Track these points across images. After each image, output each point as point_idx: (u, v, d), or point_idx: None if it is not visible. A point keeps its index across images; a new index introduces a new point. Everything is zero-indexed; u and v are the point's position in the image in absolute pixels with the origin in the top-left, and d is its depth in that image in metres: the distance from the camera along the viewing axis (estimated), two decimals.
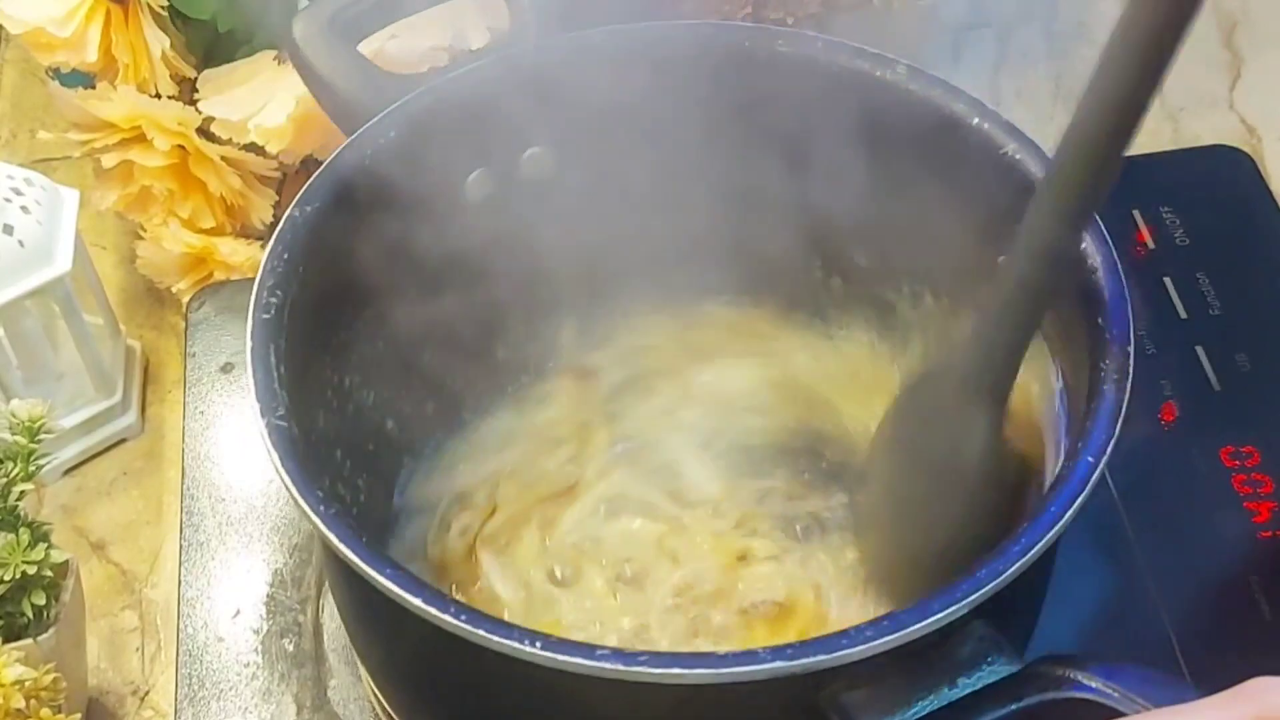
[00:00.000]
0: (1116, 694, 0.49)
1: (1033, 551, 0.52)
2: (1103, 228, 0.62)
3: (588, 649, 0.51)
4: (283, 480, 0.55)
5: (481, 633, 0.51)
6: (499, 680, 0.55)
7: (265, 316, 0.60)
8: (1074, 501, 0.54)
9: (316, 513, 0.54)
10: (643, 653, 0.50)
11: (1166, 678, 0.50)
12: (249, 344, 0.59)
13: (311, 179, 0.64)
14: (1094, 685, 0.50)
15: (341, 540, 0.54)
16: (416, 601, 0.52)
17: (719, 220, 0.75)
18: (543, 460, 0.75)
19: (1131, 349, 0.58)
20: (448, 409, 0.75)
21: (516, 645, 0.50)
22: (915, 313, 0.73)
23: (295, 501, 0.55)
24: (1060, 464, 0.56)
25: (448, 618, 0.51)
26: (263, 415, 0.57)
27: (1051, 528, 0.53)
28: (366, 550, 0.54)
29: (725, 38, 0.70)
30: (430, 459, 0.74)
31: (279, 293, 0.61)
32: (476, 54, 0.70)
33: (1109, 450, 0.55)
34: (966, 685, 0.52)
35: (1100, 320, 0.59)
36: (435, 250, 0.70)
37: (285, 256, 0.62)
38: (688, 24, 0.72)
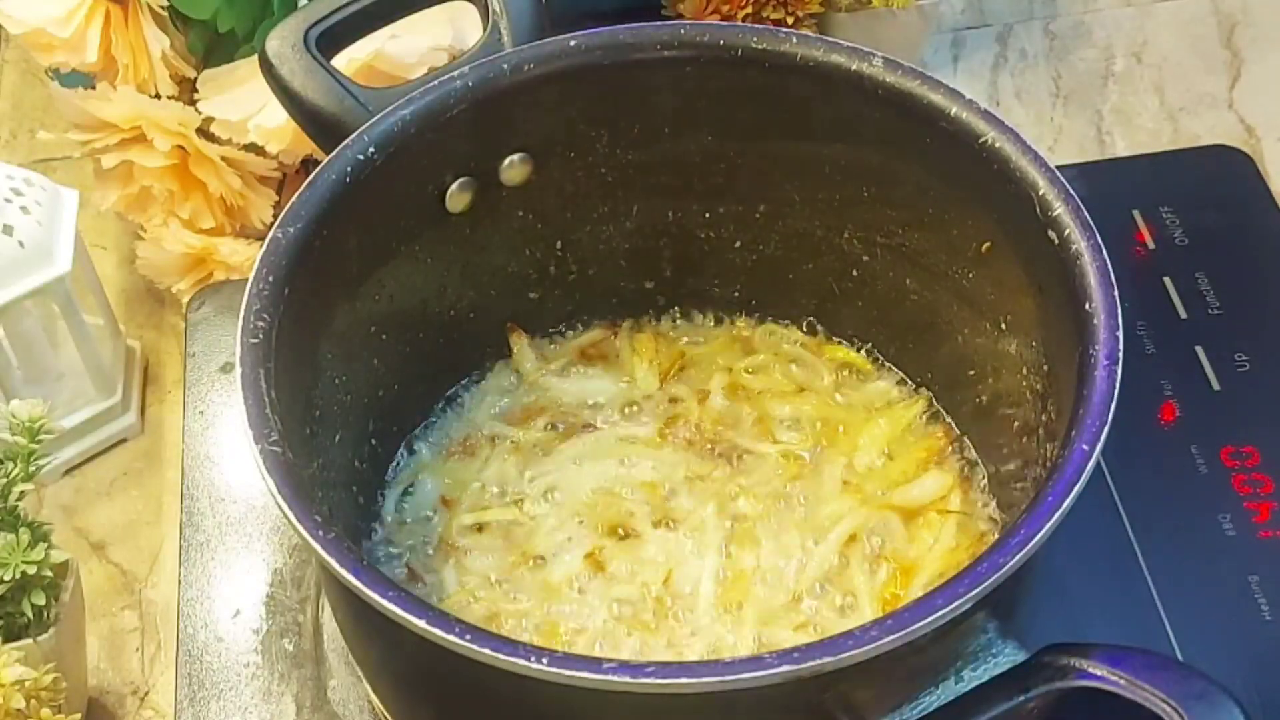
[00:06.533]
0: (1124, 681, 0.49)
1: (1033, 542, 0.52)
2: (1085, 211, 0.61)
3: (594, 663, 0.51)
4: (280, 507, 0.56)
5: (488, 651, 0.51)
6: (502, 694, 0.55)
7: (254, 341, 0.60)
8: (1071, 490, 0.54)
9: (315, 538, 0.55)
10: (650, 664, 0.51)
11: (1172, 663, 0.50)
12: (239, 369, 0.59)
13: (292, 200, 0.64)
14: (1100, 673, 0.50)
15: (343, 566, 0.54)
16: (420, 623, 0.52)
17: (698, 223, 0.76)
18: None
19: (1120, 333, 0.58)
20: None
21: (523, 663, 0.51)
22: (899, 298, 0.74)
23: (294, 528, 0.55)
24: (1056, 453, 0.56)
25: (453, 638, 0.51)
26: (256, 442, 0.57)
27: (1050, 517, 0.53)
28: (367, 574, 0.54)
29: (699, 37, 0.70)
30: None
31: (265, 316, 0.61)
32: (450, 64, 0.70)
33: (1104, 436, 0.55)
34: (973, 678, 0.52)
35: (1088, 306, 0.59)
36: (418, 262, 0.70)
37: (270, 279, 0.62)
38: (659, 25, 0.71)
